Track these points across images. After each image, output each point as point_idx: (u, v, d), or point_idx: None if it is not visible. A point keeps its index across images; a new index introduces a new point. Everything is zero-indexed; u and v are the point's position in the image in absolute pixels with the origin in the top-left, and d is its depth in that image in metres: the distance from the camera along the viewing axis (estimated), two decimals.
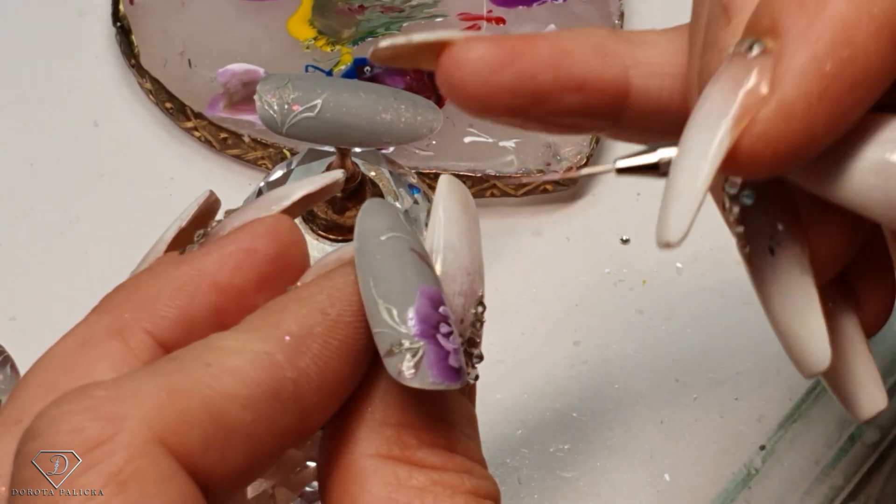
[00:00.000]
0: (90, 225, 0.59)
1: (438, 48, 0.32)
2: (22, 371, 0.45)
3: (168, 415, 0.26)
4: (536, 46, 0.32)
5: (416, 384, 0.28)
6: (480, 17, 0.64)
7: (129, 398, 0.26)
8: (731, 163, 0.27)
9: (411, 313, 0.28)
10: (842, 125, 0.27)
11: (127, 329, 0.30)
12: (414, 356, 0.28)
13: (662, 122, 0.30)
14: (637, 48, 0.34)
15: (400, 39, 0.32)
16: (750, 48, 0.28)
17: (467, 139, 0.59)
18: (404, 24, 0.63)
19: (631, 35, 0.34)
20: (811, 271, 0.31)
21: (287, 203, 0.33)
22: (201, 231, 0.33)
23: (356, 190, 0.49)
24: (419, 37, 0.32)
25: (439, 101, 0.60)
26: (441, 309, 0.29)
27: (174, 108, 0.61)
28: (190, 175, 0.60)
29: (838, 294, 0.34)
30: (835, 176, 0.28)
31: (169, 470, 0.25)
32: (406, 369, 0.28)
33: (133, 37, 0.63)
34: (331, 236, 0.50)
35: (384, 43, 0.32)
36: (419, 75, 0.61)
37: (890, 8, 0.27)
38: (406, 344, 0.28)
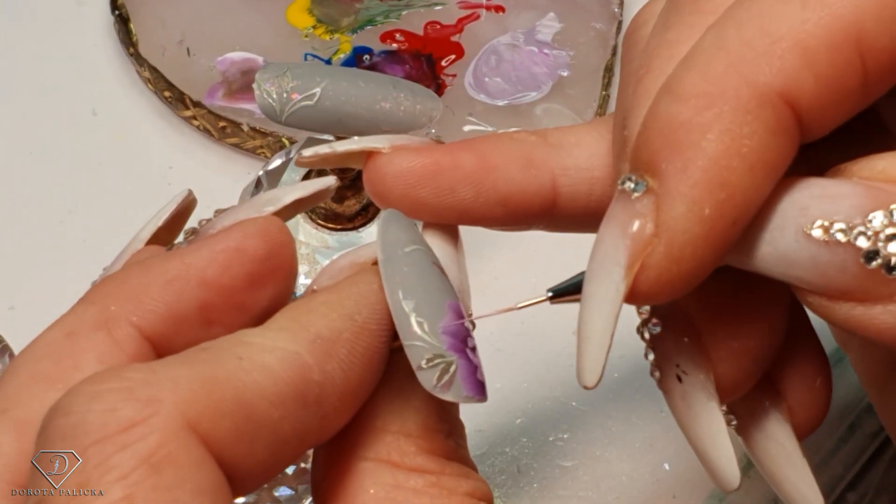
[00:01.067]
0: (89, 214, 0.59)
1: (366, 156, 0.33)
2: None
3: (201, 402, 0.26)
4: (459, 160, 0.33)
5: (450, 398, 0.28)
6: (479, 6, 0.64)
7: (164, 383, 0.26)
8: (632, 300, 0.29)
9: (443, 327, 0.29)
10: (729, 248, 0.28)
11: (113, 321, 0.30)
12: (448, 370, 0.28)
13: (595, 221, 0.31)
14: (564, 154, 0.35)
15: (324, 148, 0.33)
16: (634, 186, 0.28)
17: (467, 128, 0.59)
18: (403, 13, 0.63)
19: (559, 137, 0.35)
20: (716, 397, 0.32)
21: (279, 206, 0.33)
22: (189, 229, 0.33)
23: (356, 179, 0.49)
24: (343, 146, 0.33)
25: (439, 90, 0.60)
26: (465, 323, 0.29)
27: (173, 96, 0.61)
28: (188, 164, 0.60)
29: (770, 399, 0.35)
30: (740, 255, 0.29)
31: (200, 456, 0.26)
32: (441, 383, 0.28)
33: (131, 25, 0.63)
34: (330, 225, 0.50)
35: (308, 152, 0.33)
36: (418, 64, 0.61)
37: (759, 144, 0.28)
38: (440, 358, 0.28)
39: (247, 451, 0.27)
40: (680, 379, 0.32)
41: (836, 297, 0.28)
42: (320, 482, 0.30)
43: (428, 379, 0.28)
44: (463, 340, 0.29)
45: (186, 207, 0.35)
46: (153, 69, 0.61)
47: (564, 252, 0.57)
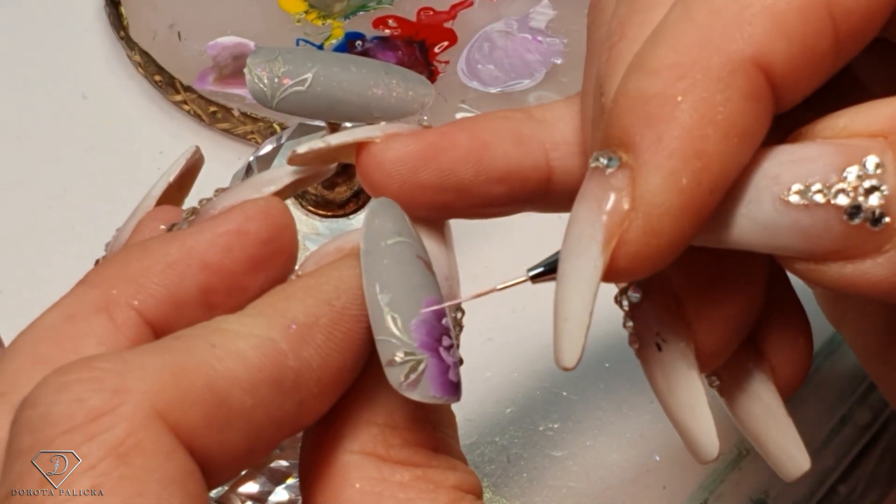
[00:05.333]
0: (78, 198, 0.58)
1: (357, 147, 0.33)
2: (8, 344, 0.45)
3: (170, 391, 0.26)
4: (455, 140, 0.33)
5: (416, 397, 0.28)
6: None
7: (132, 372, 0.26)
8: (610, 277, 0.29)
9: (416, 324, 0.28)
10: (707, 218, 0.28)
11: (114, 304, 0.30)
12: (416, 368, 0.28)
13: None
14: (551, 129, 0.34)
15: (318, 143, 0.33)
16: (607, 162, 0.28)
17: (459, 115, 0.58)
18: None
19: (543, 113, 0.35)
20: (696, 366, 0.32)
21: (279, 186, 0.33)
22: (190, 209, 0.33)
23: (346, 165, 0.48)
24: (336, 139, 0.33)
25: (431, 76, 0.59)
26: (443, 321, 0.29)
27: (163, 81, 0.60)
28: (179, 149, 0.59)
29: (752, 360, 0.34)
30: (720, 234, 0.29)
31: (169, 445, 0.25)
32: (408, 381, 0.28)
33: (122, 9, 0.62)
34: (320, 212, 0.50)
35: (302, 149, 0.33)
36: (411, 50, 0.61)
37: (734, 112, 0.27)
38: (409, 355, 0.28)
39: (219, 438, 0.26)
40: (659, 347, 0.32)
41: (823, 259, 0.28)
42: (307, 474, 0.30)
43: (395, 376, 0.28)
44: (437, 339, 0.28)
45: (195, 165, 0.35)
46: (144, 53, 0.61)
47: (554, 240, 0.57)
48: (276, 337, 0.28)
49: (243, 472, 0.39)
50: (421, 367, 0.28)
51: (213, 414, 0.26)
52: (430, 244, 0.32)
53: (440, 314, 0.29)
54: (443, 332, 0.29)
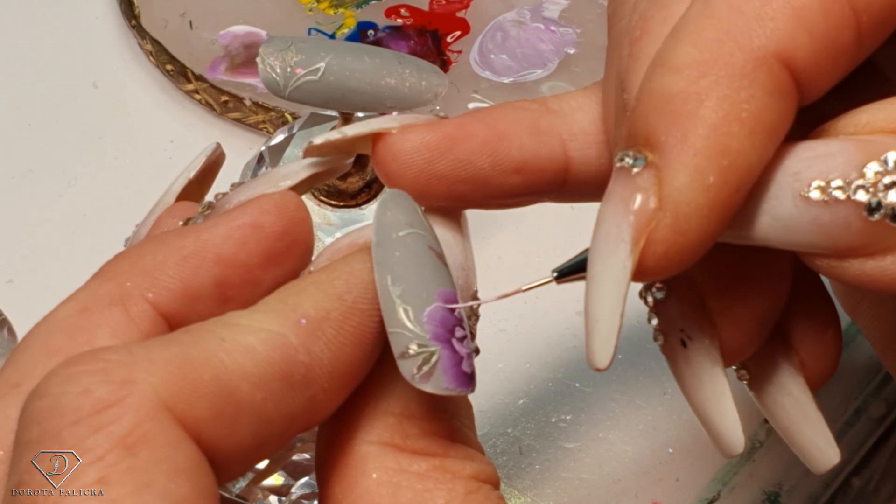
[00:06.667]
0: (88, 187, 0.58)
1: (374, 138, 0.33)
2: (19, 334, 0.45)
3: (178, 383, 0.26)
4: (472, 131, 0.33)
5: (429, 389, 0.28)
6: None
7: (140, 364, 0.26)
8: (639, 277, 0.28)
9: (429, 315, 0.28)
10: (733, 215, 0.28)
11: (129, 297, 0.30)
12: (429, 360, 0.28)
13: (605, 187, 0.30)
14: (568, 119, 0.34)
15: (334, 135, 0.33)
16: (633, 161, 0.28)
17: (471, 105, 0.58)
18: None
19: (560, 103, 0.34)
20: (721, 362, 0.32)
21: (295, 180, 0.33)
22: (206, 203, 0.33)
23: (359, 155, 0.48)
24: (353, 130, 0.33)
25: (444, 66, 0.59)
26: (456, 312, 0.29)
27: (175, 70, 0.60)
28: (190, 138, 0.60)
29: (781, 353, 0.34)
30: (742, 230, 0.29)
31: (176, 436, 0.25)
32: (421, 373, 0.28)
33: None
34: (332, 202, 0.50)
35: (318, 140, 0.33)
36: (423, 40, 0.61)
37: (758, 108, 0.27)
38: (422, 347, 0.28)
39: (228, 431, 0.26)
40: (684, 344, 0.32)
41: (844, 255, 0.28)
42: (323, 465, 0.30)
43: (408, 368, 0.28)
44: (449, 330, 0.28)
45: (216, 161, 0.35)
46: (155, 42, 0.60)
47: (567, 230, 0.57)
48: (287, 332, 0.28)
49: (262, 466, 0.39)
50: (434, 358, 0.28)
51: (220, 407, 0.26)
52: (446, 234, 0.32)
53: (454, 305, 0.29)
54: (456, 323, 0.28)
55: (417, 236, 0.29)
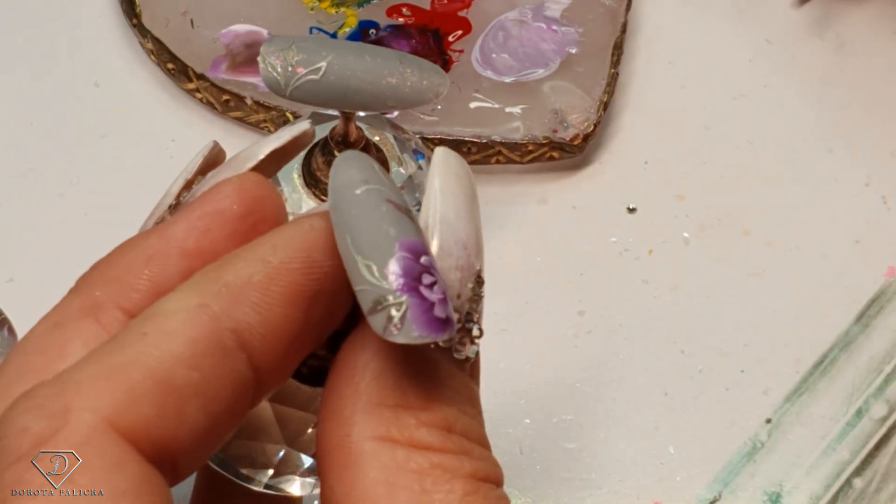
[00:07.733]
0: (90, 186, 0.58)
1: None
2: (19, 334, 0.45)
3: (112, 394, 0.26)
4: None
5: (401, 339, 0.27)
6: None
7: (69, 389, 0.26)
8: None
9: (392, 267, 0.28)
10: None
11: (99, 307, 0.30)
12: (398, 311, 0.27)
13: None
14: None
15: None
16: None
17: (473, 104, 0.58)
18: None
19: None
20: None
21: (256, 161, 0.33)
22: (174, 202, 0.33)
23: (351, 144, 0.48)
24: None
25: (445, 66, 0.59)
26: (423, 259, 0.28)
27: (176, 69, 0.60)
28: (191, 137, 0.60)
29: None
30: None
31: (116, 457, 0.25)
32: (390, 325, 0.27)
33: None
34: (324, 199, 0.49)
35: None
36: (425, 39, 0.61)
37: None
38: (389, 300, 0.27)
39: (178, 420, 0.26)
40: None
41: None
42: (322, 463, 0.30)
43: (378, 323, 0.27)
44: (415, 278, 0.28)
45: (215, 160, 0.35)
46: (156, 41, 0.60)
47: (570, 234, 0.57)
48: (208, 301, 0.28)
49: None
50: (402, 308, 0.27)
51: (162, 401, 0.26)
52: (448, 211, 0.31)
53: (417, 253, 0.28)
54: (422, 270, 0.28)
55: (373, 191, 0.29)
